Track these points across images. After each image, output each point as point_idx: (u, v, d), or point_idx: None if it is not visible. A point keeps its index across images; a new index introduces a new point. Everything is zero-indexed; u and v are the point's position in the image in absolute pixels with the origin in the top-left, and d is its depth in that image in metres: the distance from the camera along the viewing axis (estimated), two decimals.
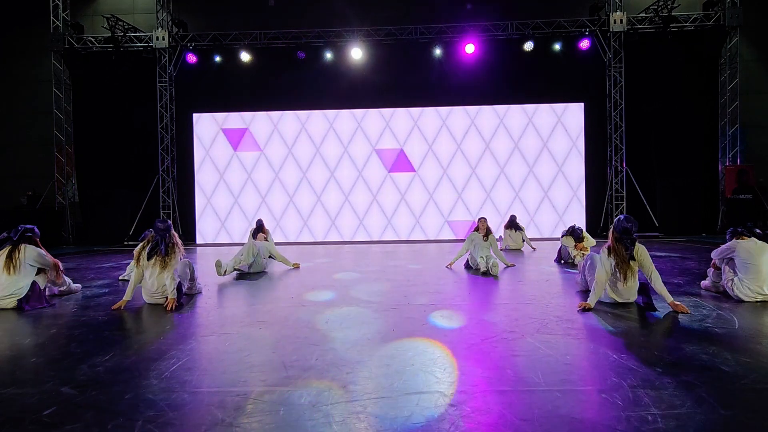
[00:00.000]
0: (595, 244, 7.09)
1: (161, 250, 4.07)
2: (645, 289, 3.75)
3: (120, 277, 5.83)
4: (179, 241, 4.27)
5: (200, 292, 4.69)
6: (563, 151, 12.00)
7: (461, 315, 3.62)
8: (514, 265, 6.38)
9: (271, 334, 3.15)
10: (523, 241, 9.08)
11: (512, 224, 9.15)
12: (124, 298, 4.08)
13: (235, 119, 12.35)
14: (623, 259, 3.65)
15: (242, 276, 5.89)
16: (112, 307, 3.99)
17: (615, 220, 3.77)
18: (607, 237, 4.07)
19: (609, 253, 3.70)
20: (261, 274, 6.10)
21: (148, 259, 4.08)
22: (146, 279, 4.11)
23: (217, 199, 12.38)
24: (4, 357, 2.75)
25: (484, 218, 6.28)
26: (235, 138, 12.32)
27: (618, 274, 3.69)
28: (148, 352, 2.76)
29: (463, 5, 11.95)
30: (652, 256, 3.72)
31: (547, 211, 12.03)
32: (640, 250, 3.67)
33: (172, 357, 2.65)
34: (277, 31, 11.93)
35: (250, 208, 12.31)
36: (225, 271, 5.63)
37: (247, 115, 12.33)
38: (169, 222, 4.25)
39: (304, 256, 8.57)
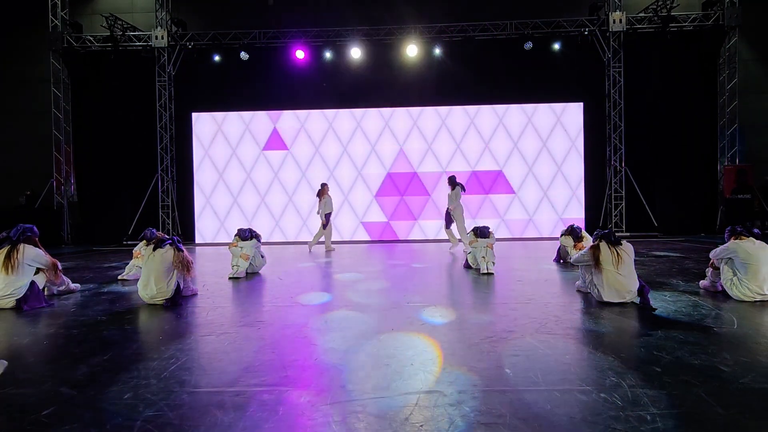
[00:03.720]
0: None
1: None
2: (643, 290, 3.78)
3: (119, 277, 5.82)
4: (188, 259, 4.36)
5: (196, 293, 4.66)
6: (562, 151, 12.01)
7: (461, 314, 3.62)
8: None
9: (271, 334, 3.15)
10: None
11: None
12: None
13: (234, 119, 12.33)
14: (610, 243, 3.90)
15: (240, 276, 5.89)
16: None
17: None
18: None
19: (594, 248, 3.98)
20: (256, 275, 6.10)
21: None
22: (148, 281, 4.12)
23: (216, 198, 12.37)
24: (3, 357, 2.74)
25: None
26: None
27: (612, 259, 3.83)
28: (148, 352, 2.76)
29: (463, 4, 11.95)
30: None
31: (546, 210, 12.03)
32: (625, 244, 3.95)
33: (171, 357, 2.64)
34: (277, 30, 11.92)
35: (250, 208, 12.31)
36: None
37: (247, 115, 12.32)
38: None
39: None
